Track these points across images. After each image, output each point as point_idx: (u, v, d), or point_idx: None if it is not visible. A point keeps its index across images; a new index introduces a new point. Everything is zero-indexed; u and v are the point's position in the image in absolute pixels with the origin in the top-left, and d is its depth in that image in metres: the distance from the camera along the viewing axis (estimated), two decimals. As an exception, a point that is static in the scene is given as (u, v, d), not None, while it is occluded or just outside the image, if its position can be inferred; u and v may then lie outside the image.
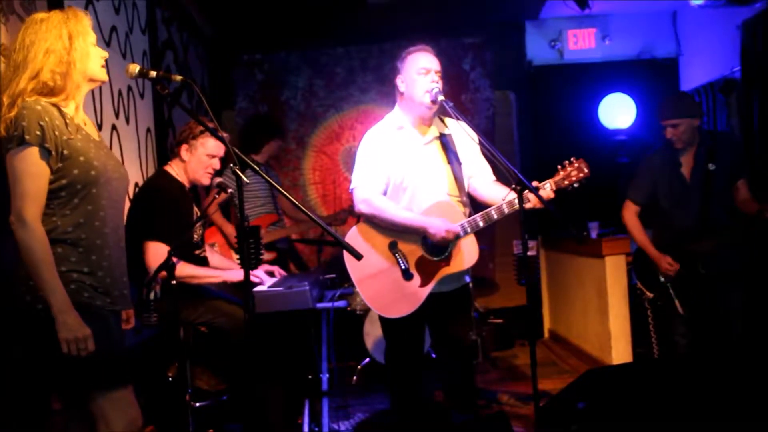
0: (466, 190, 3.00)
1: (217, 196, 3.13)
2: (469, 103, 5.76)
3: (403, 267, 2.85)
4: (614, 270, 4.43)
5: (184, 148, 3.09)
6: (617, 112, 5.52)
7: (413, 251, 2.88)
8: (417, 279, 2.86)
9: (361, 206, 2.90)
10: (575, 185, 2.81)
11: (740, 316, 3.48)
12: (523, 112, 5.88)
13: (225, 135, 2.69)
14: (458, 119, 2.80)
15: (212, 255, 3.36)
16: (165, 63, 4.44)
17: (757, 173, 4.05)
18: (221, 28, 5.52)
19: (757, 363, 2.67)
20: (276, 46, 5.76)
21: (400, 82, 2.95)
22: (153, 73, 2.12)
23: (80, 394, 2.04)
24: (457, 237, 2.82)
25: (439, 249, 2.87)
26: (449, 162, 2.97)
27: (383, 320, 3.01)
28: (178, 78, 2.15)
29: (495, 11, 5.51)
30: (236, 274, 3.04)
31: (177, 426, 3.07)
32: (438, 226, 2.78)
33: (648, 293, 3.69)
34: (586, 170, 2.80)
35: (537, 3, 5.41)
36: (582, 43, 5.72)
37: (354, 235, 2.94)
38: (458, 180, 2.96)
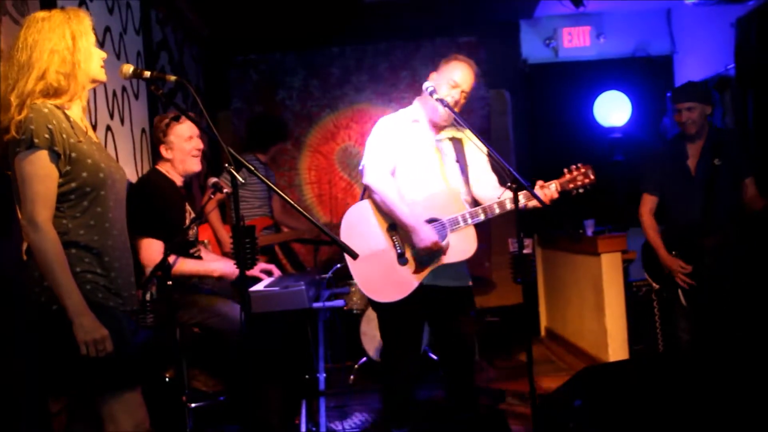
0: (472, 191, 3.02)
1: (212, 197, 3.13)
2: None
3: (399, 251, 2.86)
4: (610, 267, 4.43)
5: (162, 148, 3.09)
6: (612, 110, 5.52)
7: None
8: (411, 265, 2.86)
9: (369, 179, 2.89)
10: (580, 190, 2.84)
11: (742, 312, 3.47)
12: (519, 110, 5.88)
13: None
14: (462, 125, 2.82)
15: (206, 254, 3.35)
16: (160, 64, 4.43)
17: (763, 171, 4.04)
18: (216, 28, 5.50)
19: (755, 360, 2.68)
20: (271, 46, 5.74)
21: (431, 80, 2.96)
22: (147, 74, 2.11)
23: (91, 394, 2.03)
24: (455, 227, 2.83)
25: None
26: (458, 160, 2.99)
27: (381, 318, 3.01)
28: (173, 78, 2.14)
29: (489, 10, 5.51)
30: (222, 265, 3.03)
31: (174, 427, 3.07)
32: (427, 237, 2.78)
33: (654, 284, 3.71)
34: (591, 176, 2.83)
35: (531, 1, 5.40)
36: (577, 41, 5.72)
37: (357, 211, 2.94)
38: (465, 178, 2.98)
